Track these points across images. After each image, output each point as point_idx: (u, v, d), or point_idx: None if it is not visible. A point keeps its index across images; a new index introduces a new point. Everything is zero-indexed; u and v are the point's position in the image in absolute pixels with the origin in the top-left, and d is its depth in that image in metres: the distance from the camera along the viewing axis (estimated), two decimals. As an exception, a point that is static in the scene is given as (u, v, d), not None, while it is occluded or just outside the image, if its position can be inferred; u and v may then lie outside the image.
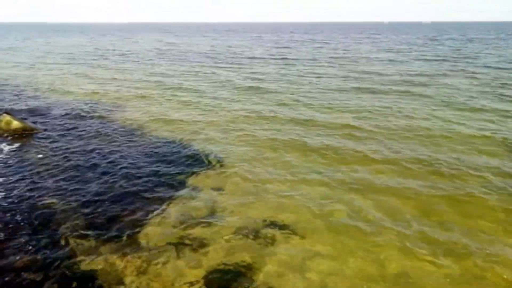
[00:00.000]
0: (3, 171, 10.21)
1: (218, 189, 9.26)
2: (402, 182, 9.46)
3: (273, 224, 7.66)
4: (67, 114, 16.36)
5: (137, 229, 7.44)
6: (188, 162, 10.88)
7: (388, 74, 26.94)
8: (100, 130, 14.01)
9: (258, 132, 13.57)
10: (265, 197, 8.82)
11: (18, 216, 7.92)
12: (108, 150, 11.79)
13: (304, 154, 11.49)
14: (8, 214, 7.95)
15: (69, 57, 42.49)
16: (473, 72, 27.21)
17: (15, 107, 17.69)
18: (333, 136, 13.05)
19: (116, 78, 26.64)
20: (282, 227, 7.58)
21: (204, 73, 29.04)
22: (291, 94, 20.19)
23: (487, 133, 13.04)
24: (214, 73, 28.99)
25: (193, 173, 10.15)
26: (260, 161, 10.91)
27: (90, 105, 18.12)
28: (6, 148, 12.07)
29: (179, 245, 6.93)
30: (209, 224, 7.68)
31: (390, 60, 35.61)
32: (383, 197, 8.71)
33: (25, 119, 14.88)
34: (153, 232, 7.37)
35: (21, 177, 9.81)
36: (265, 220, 7.80)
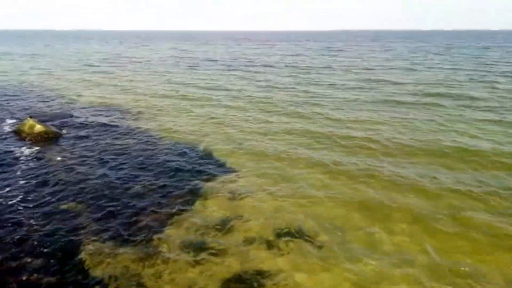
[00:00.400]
0: (23, 174, 10.51)
1: (234, 197, 9.32)
2: (421, 205, 8.98)
3: (288, 234, 7.67)
4: (87, 119, 16.73)
5: (154, 236, 7.55)
6: (204, 170, 10.95)
7: (404, 83, 26.57)
8: (117, 136, 14.28)
9: (273, 143, 13.54)
10: (281, 207, 8.83)
11: (35, 219, 8.11)
12: (124, 156, 12.00)
13: (319, 168, 11.35)
14: (25, 217, 8.16)
15: (90, 64, 43.45)
16: (492, 82, 26.50)
17: (39, 111, 18.21)
18: (347, 149, 12.89)
19: (134, 86, 27.07)
20: (297, 236, 7.59)
21: (220, 81, 29.29)
22: (304, 104, 20.11)
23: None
24: (229, 81, 29.18)
25: (208, 181, 10.22)
26: (275, 172, 10.87)
27: (109, 111, 18.49)
28: (28, 151, 12.43)
29: (194, 252, 6.99)
30: (225, 232, 7.74)
31: (407, 69, 35.11)
32: (401, 223, 8.24)
33: (48, 123, 15.31)
34: (169, 238, 7.46)
35: (40, 180, 10.07)
36: (280, 230, 7.82)
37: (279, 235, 7.62)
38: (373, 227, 7.94)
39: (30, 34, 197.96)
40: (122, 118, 16.98)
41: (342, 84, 26.28)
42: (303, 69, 36.66)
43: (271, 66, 39.35)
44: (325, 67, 37.84)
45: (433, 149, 12.55)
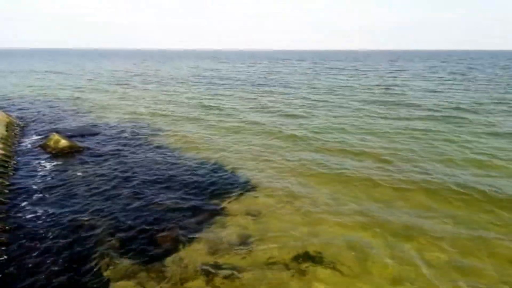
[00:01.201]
0: (44, 188, 10.62)
1: (252, 215, 9.09)
2: (457, 232, 8.64)
3: (306, 256, 7.35)
4: (111, 135, 16.99)
5: (170, 254, 7.36)
6: (222, 186, 10.83)
7: (425, 104, 25.90)
8: (140, 151, 14.39)
9: (294, 159, 13.36)
10: (299, 227, 8.53)
11: (52, 233, 8.10)
12: (144, 173, 11.99)
13: (341, 184, 11.11)
14: (43, 231, 8.16)
15: (116, 80, 44.72)
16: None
17: (66, 126, 18.68)
18: (368, 167, 12.56)
19: (158, 102, 27.64)
20: (317, 259, 7.25)
21: (245, 98, 29.48)
22: (326, 122, 19.88)
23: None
24: (254, 98, 29.34)
25: (226, 197, 10.06)
26: (296, 190, 10.62)
27: (132, 127, 18.74)
28: (51, 165, 12.63)
29: (210, 273, 6.74)
30: (241, 252, 7.48)
31: (429, 90, 34.24)
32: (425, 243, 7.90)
33: (73, 138, 15.62)
34: (185, 257, 7.26)
35: (61, 195, 10.14)
36: (298, 251, 7.51)
37: (298, 258, 7.29)
38: (401, 252, 7.51)
39: (58, 52, 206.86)
40: (144, 134, 17.13)
41: (360, 109, 25.78)
42: (322, 88, 36.47)
43: (290, 86, 39.30)
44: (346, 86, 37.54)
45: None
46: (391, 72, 58.58)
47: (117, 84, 40.13)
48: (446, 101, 26.24)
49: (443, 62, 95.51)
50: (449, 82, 41.26)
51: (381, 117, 20.79)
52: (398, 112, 22.32)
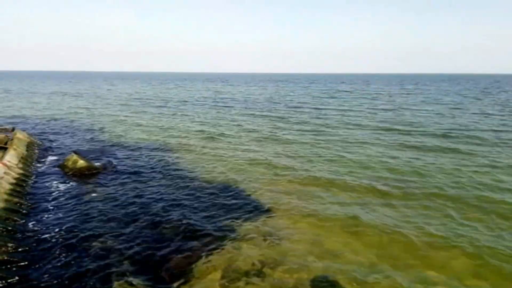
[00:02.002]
0: (60, 208, 10.69)
1: (268, 239, 8.90)
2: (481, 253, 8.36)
3: (325, 282, 7.10)
4: (129, 155, 17.16)
5: (183, 279, 7.23)
6: (238, 209, 10.71)
7: (433, 128, 25.41)
8: (156, 173, 14.43)
9: (312, 184, 13.20)
10: (316, 253, 8.29)
11: (66, 254, 8.07)
12: (159, 194, 11.97)
13: (359, 212, 10.86)
14: (57, 252, 8.15)
15: (133, 103, 45.60)
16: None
17: (84, 147, 18.98)
18: (388, 197, 12.25)
19: (175, 124, 27.97)
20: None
21: (254, 122, 29.60)
22: (326, 145, 19.72)
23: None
24: (269, 119, 29.43)
25: (241, 221, 9.91)
26: (313, 213, 10.43)
27: (148, 148, 18.93)
28: (68, 185, 12.75)
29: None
30: (256, 278, 7.28)
31: (438, 114, 33.62)
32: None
33: (91, 158, 15.82)
34: (199, 283, 7.11)
35: (77, 216, 10.16)
36: (316, 279, 7.26)
37: (314, 285, 7.05)
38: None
39: (76, 75, 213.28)
40: (160, 156, 17.21)
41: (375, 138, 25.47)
42: (334, 109, 36.34)
43: (301, 107, 39.34)
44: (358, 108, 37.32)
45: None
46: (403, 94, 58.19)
47: (134, 106, 40.89)
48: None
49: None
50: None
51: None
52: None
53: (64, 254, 8.06)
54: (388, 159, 16.30)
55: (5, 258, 7.46)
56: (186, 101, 47.13)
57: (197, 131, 24.27)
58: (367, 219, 10.06)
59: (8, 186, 11.14)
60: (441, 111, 34.83)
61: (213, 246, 8.57)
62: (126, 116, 32.30)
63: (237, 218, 10.09)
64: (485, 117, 30.76)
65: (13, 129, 20.14)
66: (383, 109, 36.89)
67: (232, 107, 39.97)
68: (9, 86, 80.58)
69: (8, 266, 7.36)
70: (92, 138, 21.64)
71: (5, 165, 12.65)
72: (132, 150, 18.46)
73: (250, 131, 24.11)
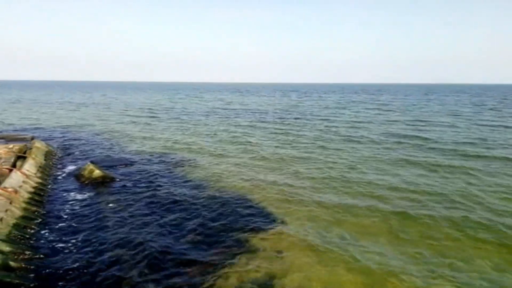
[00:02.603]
0: (75, 217, 10.93)
1: (278, 252, 8.93)
2: None
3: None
4: (144, 166, 17.42)
5: (194, 289, 7.33)
6: (251, 222, 10.74)
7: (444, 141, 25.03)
8: (167, 184, 14.60)
9: (326, 198, 13.18)
10: (327, 266, 8.28)
11: (80, 262, 8.25)
12: (172, 204, 12.13)
13: (375, 228, 10.79)
14: (71, 260, 8.33)
15: (146, 113, 46.33)
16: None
17: (100, 157, 19.35)
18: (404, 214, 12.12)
19: (187, 133, 28.32)
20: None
21: (273, 131, 29.72)
22: (361, 158, 19.62)
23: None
24: (284, 131, 29.50)
25: (253, 232, 9.97)
26: (325, 229, 10.39)
27: (162, 159, 19.20)
28: (84, 194, 13.03)
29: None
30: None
31: (451, 126, 33.07)
32: None
33: (106, 168, 16.14)
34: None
35: (91, 224, 10.39)
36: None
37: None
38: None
39: (89, 85, 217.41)
40: (174, 167, 17.45)
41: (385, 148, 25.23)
42: (348, 122, 36.20)
43: (324, 118, 39.29)
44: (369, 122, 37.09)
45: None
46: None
47: (148, 117, 41.51)
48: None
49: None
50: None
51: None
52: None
53: (78, 262, 8.23)
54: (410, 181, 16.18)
55: (23, 265, 7.68)
56: (198, 112, 47.59)
57: (208, 142, 24.49)
58: (381, 227, 10.01)
59: (26, 195, 11.47)
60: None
61: (225, 256, 8.64)
62: (139, 126, 32.84)
63: (248, 231, 10.13)
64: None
65: (32, 139, 20.72)
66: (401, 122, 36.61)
67: (244, 118, 40.21)
68: (24, 95, 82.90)
69: (25, 272, 7.57)
70: (107, 148, 22.06)
71: (24, 174, 13.03)
72: (145, 160, 18.74)
73: (261, 144, 24.20)
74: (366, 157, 19.61)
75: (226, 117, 40.37)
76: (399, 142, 23.95)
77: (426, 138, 25.36)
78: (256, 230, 10.19)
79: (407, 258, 8.73)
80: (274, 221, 10.87)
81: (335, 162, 18.32)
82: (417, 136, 26.31)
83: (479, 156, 19.44)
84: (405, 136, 26.44)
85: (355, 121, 36.35)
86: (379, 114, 45.04)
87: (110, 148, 22.21)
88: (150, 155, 19.91)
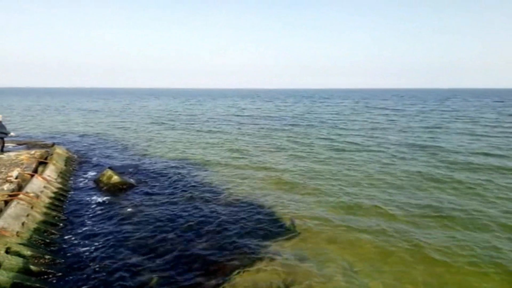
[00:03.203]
0: (93, 222, 11.05)
1: (299, 257, 8.82)
2: None
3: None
4: (162, 172, 17.53)
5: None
6: (266, 229, 10.66)
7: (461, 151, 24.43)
8: (185, 190, 14.66)
9: (343, 206, 13.01)
10: (347, 273, 8.13)
11: (100, 268, 8.32)
12: (189, 211, 12.14)
13: (390, 238, 10.57)
14: (91, 265, 8.40)
15: (163, 119, 46.80)
16: None
17: (119, 162, 19.60)
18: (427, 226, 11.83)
19: (204, 140, 28.44)
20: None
21: (290, 136, 29.63)
22: (359, 167, 19.34)
23: None
24: (299, 139, 29.38)
25: (272, 237, 9.90)
26: (342, 239, 10.23)
27: (180, 165, 19.30)
28: (102, 200, 13.17)
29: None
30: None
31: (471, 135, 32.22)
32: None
33: (124, 174, 16.31)
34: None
35: (109, 230, 10.48)
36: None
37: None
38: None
39: (109, 92, 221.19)
40: (190, 173, 17.51)
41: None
42: (357, 129, 35.78)
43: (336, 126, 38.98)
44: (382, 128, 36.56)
45: None
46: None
47: (164, 123, 41.95)
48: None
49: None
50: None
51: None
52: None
53: (97, 267, 8.30)
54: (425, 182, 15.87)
55: (42, 269, 7.76)
56: (214, 118, 47.82)
57: (225, 148, 24.54)
58: (397, 244, 9.79)
59: (47, 200, 11.67)
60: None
61: (240, 263, 8.59)
62: (157, 132, 33.19)
63: (264, 237, 10.06)
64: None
65: (53, 145, 21.15)
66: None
67: (258, 124, 40.21)
68: (45, 102, 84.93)
69: (45, 277, 7.66)
70: (125, 154, 22.33)
71: (44, 179, 13.27)
72: (162, 165, 18.88)
73: (278, 149, 24.13)
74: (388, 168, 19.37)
75: (242, 124, 40.40)
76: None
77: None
78: (273, 236, 10.12)
79: (432, 250, 8.49)
80: (291, 227, 10.76)
81: (357, 169, 18.12)
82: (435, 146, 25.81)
83: None
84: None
85: (373, 128, 35.90)
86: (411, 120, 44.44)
87: (128, 153, 22.47)
88: (167, 161, 20.04)
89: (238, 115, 53.34)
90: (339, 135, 31.01)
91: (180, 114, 54.89)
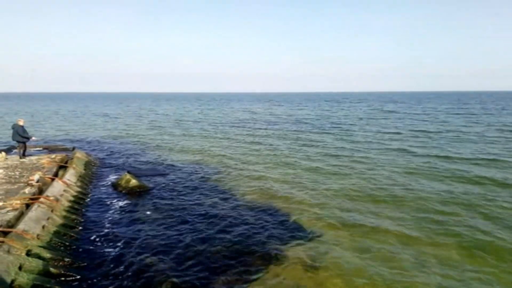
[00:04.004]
0: (112, 226, 11.14)
1: (309, 267, 8.64)
2: None
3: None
4: (179, 176, 17.64)
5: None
6: (284, 233, 10.55)
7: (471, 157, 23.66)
8: (203, 192, 14.71)
9: (361, 211, 12.79)
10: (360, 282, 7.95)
11: (119, 270, 8.36)
12: (205, 215, 12.13)
13: (414, 246, 10.31)
14: (110, 268, 8.46)
15: (181, 124, 47.21)
16: None
17: (137, 166, 19.84)
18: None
19: (220, 144, 28.55)
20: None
21: (309, 140, 29.44)
22: (398, 169, 18.99)
23: None
24: (322, 141, 29.16)
25: (287, 243, 9.77)
26: (360, 244, 10.03)
27: (197, 168, 19.39)
28: (121, 203, 13.31)
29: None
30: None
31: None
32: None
33: (143, 177, 16.47)
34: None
35: (127, 233, 10.55)
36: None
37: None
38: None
39: (127, 96, 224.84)
40: (207, 177, 17.54)
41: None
42: (373, 132, 35.20)
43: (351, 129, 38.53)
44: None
45: None
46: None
47: (181, 127, 42.30)
48: None
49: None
50: None
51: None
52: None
53: (115, 270, 8.36)
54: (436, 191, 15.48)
55: (62, 272, 7.85)
56: (230, 122, 47.95)
57: (241, 154, 24.53)
58: (425, 250, 9.54)
59: (66, 203, 11.85)
60: None
61: (254, 267, 8.52)
62: (174, 136, 33.50)
63: (282, 241, 9.96)
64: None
65: (73, 149, 21.57)
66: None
67: (274, 127, 40.11)
68: (66, 107, 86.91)
69: (64, 279, 7.74)
70: (144, 158, 22.58)
71: (64, 183, 13.51)
72: (179, 170, 18.98)
73: (297, 156, 23.98)
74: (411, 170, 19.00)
75: (257, 128, 40.35)
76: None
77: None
78: (291, 239, 10.01)
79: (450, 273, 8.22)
80: (308, 230, 10.62)
81: (374, 178, 17.82)
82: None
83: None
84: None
85: (395, 132, 35.35)
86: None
87: (146, 157, 22.71)
88: (184, 166, 20.16)
89: (253, 119, 53.38)
90: (359, 138, 30.63)
91: (197, 119, 55.25)
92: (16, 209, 9.55)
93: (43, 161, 16.20)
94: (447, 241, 9.99)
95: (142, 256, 9.01)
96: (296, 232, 10.71)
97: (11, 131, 16.61)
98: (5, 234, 8.18)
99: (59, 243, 9.10)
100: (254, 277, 8.14)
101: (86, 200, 13.43)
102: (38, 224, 9.27)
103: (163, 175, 17.87)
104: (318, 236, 10.39)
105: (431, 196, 13.77)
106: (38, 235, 8.75)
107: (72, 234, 10.02)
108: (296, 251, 9.44)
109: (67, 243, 9.31)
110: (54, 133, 35.90)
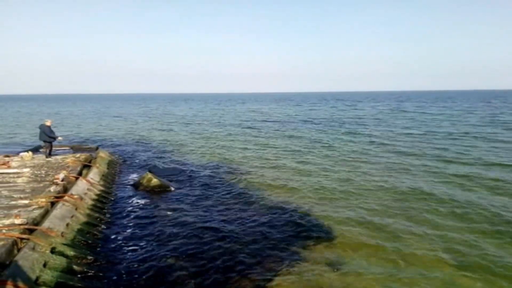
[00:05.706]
0: (135, 225, 11.24)
1: (332, 267, 8.48)
2: None
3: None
4: (200, 175, 17.69)
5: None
6: (305, 234, 10.39)
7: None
8: (225, 191, 14.71)
9: (381, 211, 12.49)
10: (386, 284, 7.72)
11: (141, 269, 8.39)
12: (225, 214, 12.12)
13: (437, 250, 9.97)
14: (132, 267, 8.50)
15: (197, 123, 47.51)
16: None
17: (158, 165, 20.02)
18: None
19: (240, 144, 28.55)
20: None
21: (322, 141, 29.12)
22: (417, 170, 18.50)
23: None
24: (332, 142, 28.80)
25: (308, 246, 9.61)
26: (381, 246, 9.77)
27: (217, 168, 19.41)
28: (143, 202, 13.43)
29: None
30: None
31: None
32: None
33: (164, 177, 16.61)
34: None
35: (149, 232, 10.62)
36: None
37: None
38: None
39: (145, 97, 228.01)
40: (228, 176, 17.53)
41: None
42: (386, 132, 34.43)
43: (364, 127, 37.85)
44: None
45: None
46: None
47: (199, 127, 42.56)
48: None
49: None
50: None
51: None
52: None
53: (137, 269, 8.40)
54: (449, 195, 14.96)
55: (85, 269, 7.95)
56: (247, 122, 47.93)
57: (262, 152, 24.46)
58: (441, 254, 9.21)
59: (90, 202, 12.04)
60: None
61: (272, 268, 8.42)
62: (193, 136, 33.74)
63: (303, 244, 9.79)
64: None
65: (96, 148, 21.96)
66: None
67: (296, 128, 39.85)
68: (89, 108, 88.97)
69: (87, 276, 7.83)
70: (165, 157, 22.81)
71: (88, 181, 13.74)
72: (200, 169, 19.06)
73: (318, 155, 23.72)
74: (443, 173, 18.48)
75: (275, 129, 40.14)
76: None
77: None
78: (312, 242, 9.84)
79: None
80: (331, 235, 10.42)
81: (406, 177, 17.41)
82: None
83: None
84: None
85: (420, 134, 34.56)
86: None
87: (167, 157, 22.94)
88: (204, 165, 20.24)
89: (271, 119, 53.23)
90: (384, 139, 30.08)
91: (213, 119, 55.53)
92: (41, 207, 9.73)
93: (68, 160, 16.53)
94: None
95: (163, 256, 9.02)
96: (320, 232, 10.52)
97: (38, 131, 17.05)
98: (30, 231, 8.34)
99: (82, 241, 9.23)
100: (272, 278, 8.02)
101: (109, 199, 13.62)
102: (62, 221, 9.43)
103: (185, 174, 17.97)
104: (342, 238, 10.19)
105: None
106: (62, 232, 8.90)
107: (95, 232, 10.16)
108: (320, 252, 9.30)
109: (90, 241, 9.44)
110: (79, 133, 36.74)
